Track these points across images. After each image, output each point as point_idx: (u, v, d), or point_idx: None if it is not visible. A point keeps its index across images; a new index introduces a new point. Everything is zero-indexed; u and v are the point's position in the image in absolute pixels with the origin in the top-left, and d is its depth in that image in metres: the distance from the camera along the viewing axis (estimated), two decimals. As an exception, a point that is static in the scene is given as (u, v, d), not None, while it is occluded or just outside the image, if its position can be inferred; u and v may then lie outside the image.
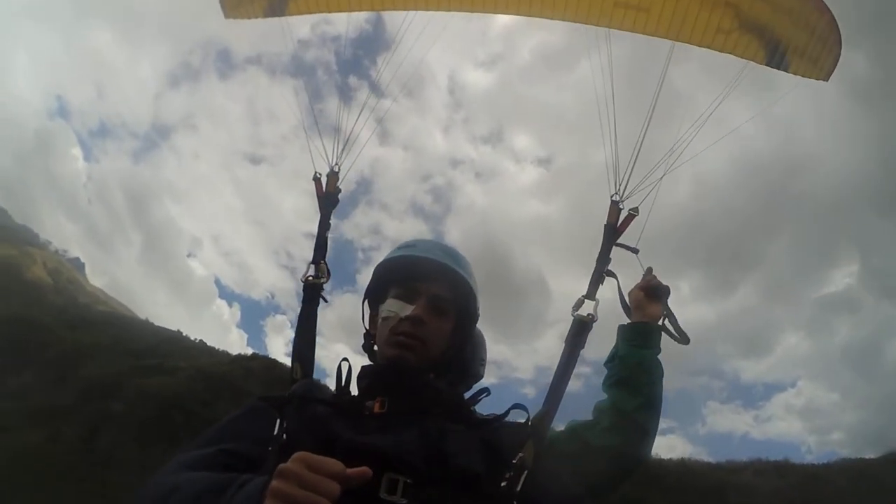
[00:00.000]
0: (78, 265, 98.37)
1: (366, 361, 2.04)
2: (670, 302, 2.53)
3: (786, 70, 2.94)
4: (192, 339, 46.89)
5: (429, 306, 1.90)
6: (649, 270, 2.56)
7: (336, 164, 2.66)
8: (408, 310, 1.88)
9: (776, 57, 2.90)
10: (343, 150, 2.70)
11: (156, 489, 1.50)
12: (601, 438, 2.19)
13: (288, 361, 2.29)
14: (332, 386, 1.94)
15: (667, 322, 2.50)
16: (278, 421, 1.69)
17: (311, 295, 2.36)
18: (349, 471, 1.24)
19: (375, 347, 2.00)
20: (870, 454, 28.44)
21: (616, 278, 2.46)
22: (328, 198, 2.60)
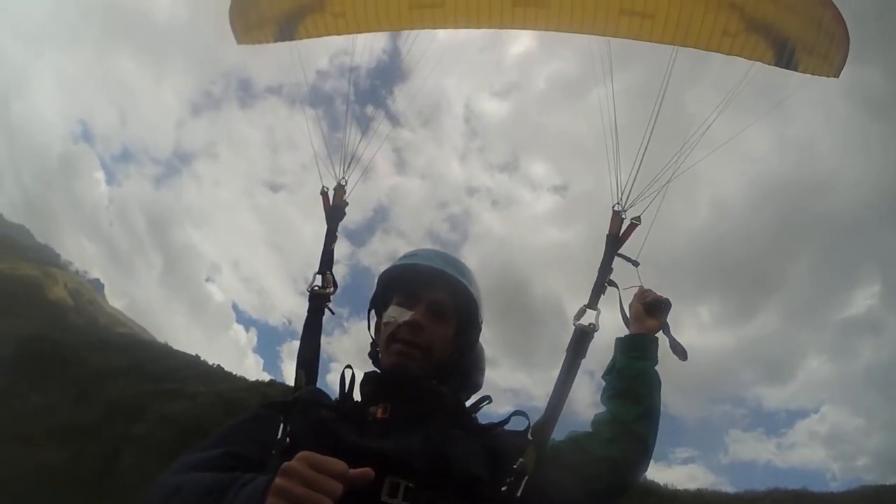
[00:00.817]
0: (98, 286, 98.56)
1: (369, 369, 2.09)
2: (670, 318, 2.51)
3: (795, 69, 2.89)
4: (211, 363, 46.51)
5: (428, 312, 1.94)
6: (644, 290, 2.55)
7: (343, 177, 2.66)
8: (407, 315, 1.92)
9: (784, 56, 2.85)
10: (350, 163, 2.71)
11: (160, 489, 1.54)
12: (602, 450, 2.18)
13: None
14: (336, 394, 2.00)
15: (666, 335, 2.49)
16: (282, 425, 1.74)
17: (317, 304, 2.36)
18: (352, 471, 1.26)
19: (380, 355, 2.04)
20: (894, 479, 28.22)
21: (617, 288, 2.47)
22: (335, 211, 2.59)
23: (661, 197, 2.50)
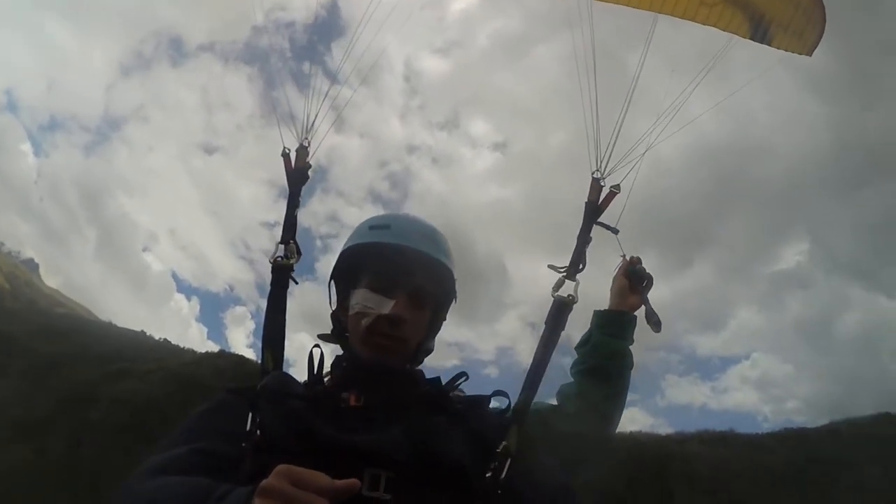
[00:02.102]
0: (32, 266, 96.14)
1: (330, 347, 2.01)
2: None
3: (769, 44, 2.92)
4: (157, 338, 46.50)
5: (408, 301, 1.85)
6: (632, 259, 2.54)
7: (306, 138, 2.50)
8: (387, 306, 1.82)
9: (760, 31, 2.87)
10: (313, 124, 2.55)
11: (131, 501, 1.47)
12: (564, 424, 2.16)
13: (251, 355, 2.65)
14: (301, 374, 1.90)
15: (645, 306, 2.47)
16: (251, 415, 1.65)
17: (280, 277, 2.18)
18: (337, 483, 1.19)
19: (350, 339, 1.94)
20: (824, 422, 29.33)
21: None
22: (297, 174, 2.44)
23: (638, 168, 2.46)
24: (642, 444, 25.59)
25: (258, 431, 1.61)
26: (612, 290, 2.51)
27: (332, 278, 2.04)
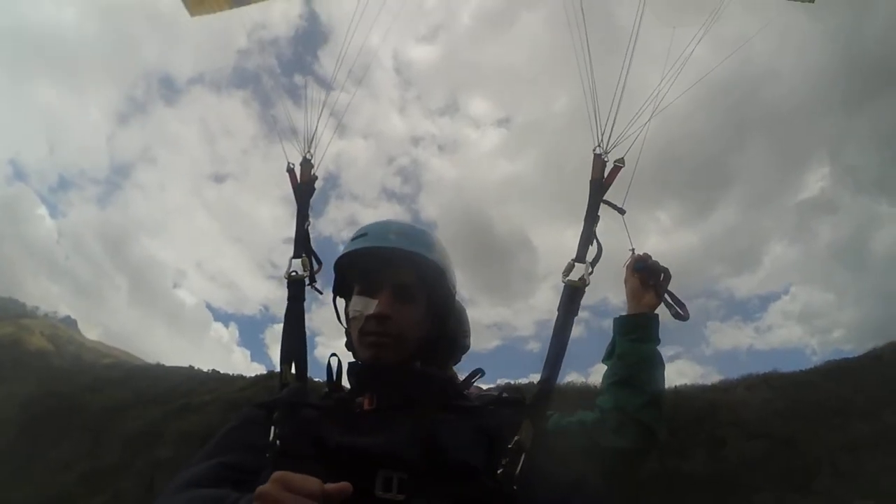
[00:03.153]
0: (70, 323, 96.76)
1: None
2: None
3: None
4: (205, 370, 46.98)
5: (392, 297, 1.86)
6: (641, 256, 2.45)
7: (309, 151, 2.51)
8: (371, 306, 1.85)
9: None
10: (314, 136, 2.54)
11: None
12: (608, 440, 2.14)
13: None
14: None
15: (666, 304, 2.39)
16: (272, 427, 1.68)
17: (296, 292, 2.21)
18: (328, 486, 1.25)
19: (355, 346, 1.96)
20: (872, 346, 28.61)
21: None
22: (303, 187, 2.45)
23: (643, 139, 2.33)
24: (686, 397, 25.67)
25: (278, 442, 1.65)
26: (626, 292, 2.45)
27: (334, 294, 2.09)
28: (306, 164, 2.47)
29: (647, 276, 2.40)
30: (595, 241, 2.13)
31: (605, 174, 2.24)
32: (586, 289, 1.99)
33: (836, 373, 26.34)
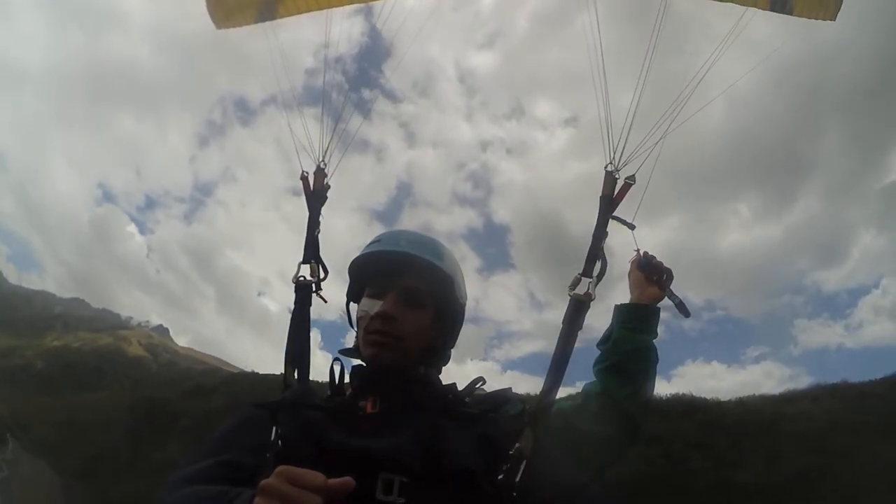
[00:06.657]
0: (163, 332, 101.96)
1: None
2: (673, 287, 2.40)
3: (790, 13, 2.81)
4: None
5: (399, 300, 1.85)
6: (644, 254, 2.46)
7: (322, 160, 2.53)
8: (376, 306, 1.85)
9: (779, 0, 2.76)
10: (329, 145, 2.57)
11: None
12: (589, 424, 2.11)
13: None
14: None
15: (670, 298, 2.39)
16: (274, 427, 1.68)
17: (303, 296, 2.24)
18: (331, 482, 1.24)
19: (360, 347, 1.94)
20: None
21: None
22: (315, 195, 2.46)
23: (656, 153, 2.35)
24: (750, 408, 25.58)
25: (280, 442, 1.64)
26: (629, 283, 2.46)
27: (347, 300, 2.07)
28: (319, 172, 2.55)
29: (651, 273, 2.41)
30: (602, 256, 2.18)
31: (616, 191, 2.29)
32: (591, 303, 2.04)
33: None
